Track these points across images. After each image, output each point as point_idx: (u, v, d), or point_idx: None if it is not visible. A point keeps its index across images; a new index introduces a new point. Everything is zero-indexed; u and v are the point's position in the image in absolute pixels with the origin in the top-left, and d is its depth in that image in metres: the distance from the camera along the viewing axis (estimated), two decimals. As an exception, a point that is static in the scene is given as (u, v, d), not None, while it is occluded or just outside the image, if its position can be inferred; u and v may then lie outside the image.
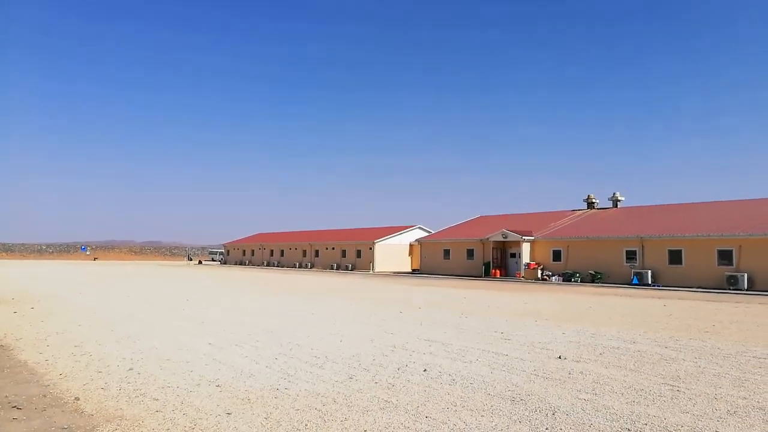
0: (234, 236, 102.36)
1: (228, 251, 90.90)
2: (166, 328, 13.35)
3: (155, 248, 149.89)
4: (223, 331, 12.71)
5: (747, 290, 29.48)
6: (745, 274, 30.05)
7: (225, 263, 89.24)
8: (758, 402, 6.83)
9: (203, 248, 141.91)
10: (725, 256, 31.59)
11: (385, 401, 6.78)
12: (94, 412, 6.41)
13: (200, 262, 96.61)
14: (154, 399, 6.93)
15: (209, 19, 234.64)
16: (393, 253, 60.26)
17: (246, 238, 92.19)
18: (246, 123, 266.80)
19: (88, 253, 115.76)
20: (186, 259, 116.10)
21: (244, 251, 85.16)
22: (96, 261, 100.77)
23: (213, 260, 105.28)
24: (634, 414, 6.30)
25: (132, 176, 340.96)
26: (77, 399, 6.94)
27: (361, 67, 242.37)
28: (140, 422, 6.01)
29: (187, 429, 5.78)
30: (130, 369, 8.66)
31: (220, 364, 8.99)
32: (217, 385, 7.59)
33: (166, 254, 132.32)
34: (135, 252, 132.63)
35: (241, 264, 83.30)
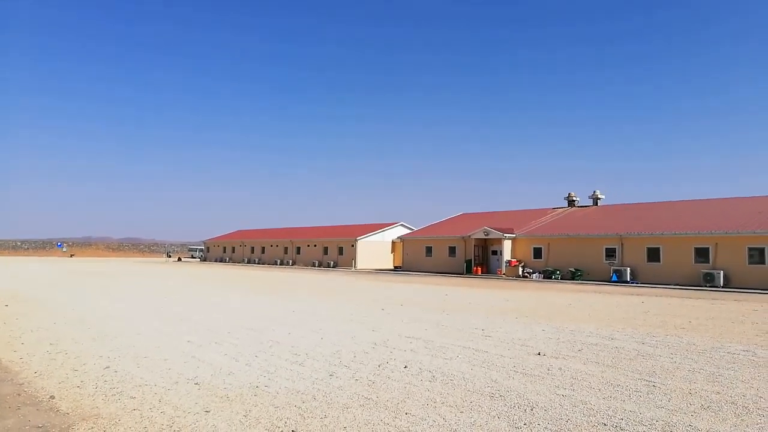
0: (214, 233, 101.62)
1: (208, 248, 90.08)
2: (144, 325, 13.19)
3: (133, 245, 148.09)
4: (203, 329, 12.59)
5: (723, 287, 30.05)
6: (721, 272, 30.62)
7: (205, 260, 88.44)
8: (731, 396, 6.96)
9: (183, 245, 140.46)
10: (702, 254, 32.16)
11: (365, 398, 6.78)
12: (70, 410, 6.31)
13: (179, 260, 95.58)
14: (131, 397, 6.85)
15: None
16: (375, 250, 60.26)
17: (226, 235, 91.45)
18: (226, 120, 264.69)
19: (64, 249, 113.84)
20: (165, 256, 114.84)
21: (224, 248, 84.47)
22: (72, 258, 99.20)
23: (193, 257, 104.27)
24: (611, 409, 6.38)
25: (110, 172, 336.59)
26: (52, 397, 6.83)
27: (346, 68, 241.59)
28: (117, 421, 5.93)
29: (164, 427, 5.72)
30: (106, 367, 8.54)
31: (198, 362, 8.90)
32: (196, 383, 7.52)
33: (145, 251, 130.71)
34: (113, 249, 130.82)
35: (221, 261, 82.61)
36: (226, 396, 6.88)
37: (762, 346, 10.91)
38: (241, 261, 78.02)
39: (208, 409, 6.31)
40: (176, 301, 19.58)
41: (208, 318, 14.64)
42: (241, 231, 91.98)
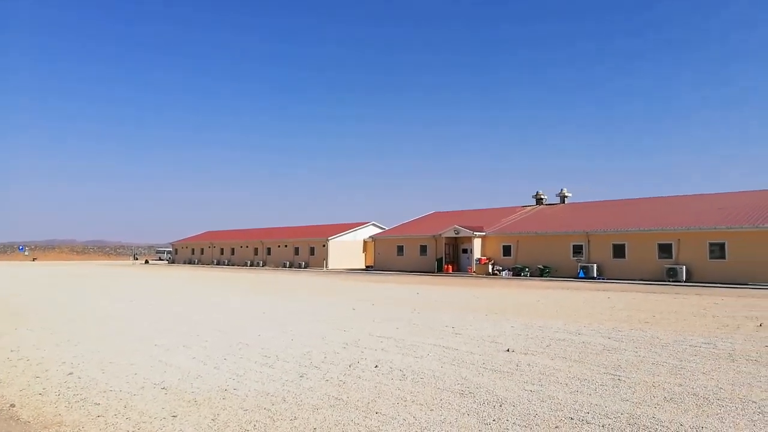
0: (182, 235, 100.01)
1: (176, 250, 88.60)
2: (108, 330, 12.89)
3: (99, 248, 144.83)
4: (170, 332, 12.38)
5: (685, 282, 30.90)
6: (684, 267, 31.49)
7: (173, 262, 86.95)
8: (693, 388, 7.16)
9: (150, 247, 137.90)
10: (665, 250, 33.02)
11: (336, 398, 6.76)
12: (31, 418, 6.13)
13: (147, 262, 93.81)
14: (96, 404, 6.69)
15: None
16: (347, 250, 60.15)
17: (195, 236, 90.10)
18: (195, 120, 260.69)
19: (26, 253, 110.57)
20: (132, 258, 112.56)
21: (193, 250, 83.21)
22: (35, 261, 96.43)
23: (160, 260, 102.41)
24: (577, 403, 6.50)
25: (74, 174, 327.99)
26: (13, 406, 6.62)
27: (316, 68, 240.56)
28: (80, 428, 5.79)
29: (130, 433, 5.60)
30: (70, 373, 8.32)
31: (166, 366, 8.75)
32: (163, 388, 7.38)
33: (111, 254, 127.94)
34: (77, 252, 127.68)
35: (190, 263, 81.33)
36: (193, 400, 6.77)
37: (722, 338, 11.25)
38: (210, 263, 76.97)
39: (175, 414, 6.21)
40: (142, 304, 19.20)
41: (175, 321, 14.40)
42: (210, 232, 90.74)
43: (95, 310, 17.41)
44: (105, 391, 7.25)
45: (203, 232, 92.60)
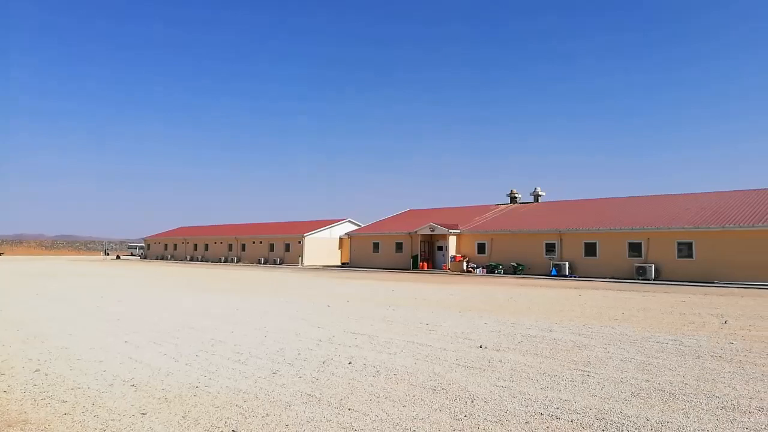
0: (155, 230, 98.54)
1: (148, 245, 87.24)
2: (77, 326, 12.65)
3: (68, 242, 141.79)
4: (141, 329, 12.20)
5: (654, 280, 31.57)
6: (653, 265, 32.16)
7: (145, 258, 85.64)
8: (659, 384, 7.33)
9: (122, 242, 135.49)
10: (635, 249, 33.68)
11: (309, 395, 6.75)
12: (-6, 417, 5.98)
13: (118, 257, 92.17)
14: (63, 401, 6.56)
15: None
16: (322, 246, 59.96)
17: (168, 231, 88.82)
18: (166, 115, 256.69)
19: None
20: (102, 253, 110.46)
21: (165, 245, 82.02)
22: (1, 256, 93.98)
23: (132, 255, 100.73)
24: (547, 399, 6.60)
25: (43, 167, 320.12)
26: (-26, 404, 6.45)
27: (292, 63, 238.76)
28: (46, 426, 5.67)
29: (97, 431, 5.51)
30: (36, 370, 8.14)
31: (136, 363, 8.62)
32: (132, 385, 7.27)
33: (81, 249, 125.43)
34: (46, 247, 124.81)
35: (162, 259, 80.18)
36: (164, 397, 6.69)
37: (688, 335, 11.54)
38: (183, 258, 75.98)
39: (144, 412, 6.12)
40: (112, 300, 18.86)
41: (146, 317, 14.19)
42: (183, 227, 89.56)
43: (63, 307, 17.05)
44: (72, 389, 7.11)
45: (176, 227, 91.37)
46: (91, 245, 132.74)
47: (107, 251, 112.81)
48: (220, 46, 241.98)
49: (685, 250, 31.83)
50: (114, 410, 6.19)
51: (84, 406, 6.34)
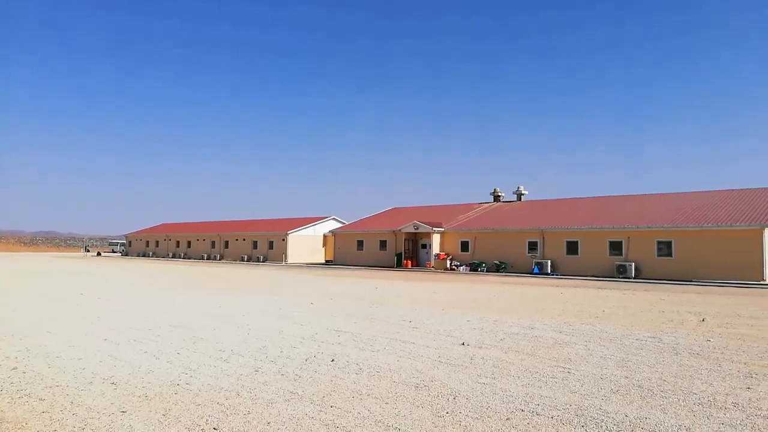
0: (137, 227, 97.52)
1: (130, 242, 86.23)
2: (57, 323, 12.47)
3: (48, 239, 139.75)
4: (121, 326, 12.07)
5: (634, 278, 32.00)
6: (633, 264, 32.59)
7: (127, 255, 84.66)
8: (638, 380, 7.44)
9: (103, 239, 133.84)
10: (616, 247, 34.10)
11: (291, 393, 6.73)
12: (-31, 416, 5.88)
13: (99, 254, 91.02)
14: (41, 399, 6.47)
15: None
16: (306, 244, 59.77)
17: (150, 228, 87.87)
18: (148, 111, 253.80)
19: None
20: (83, 250, 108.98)
21: (147, 242, 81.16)
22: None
23: (114, 252, 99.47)
24: (528, 395, 6.66)
25: (22, 162, 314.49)
26: (-51, 403, 6.34)
27: (272, 59, 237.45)
28: (23, 425, 5.59)
29: (76, 430, 5.44)
30: (14, 368, 8.02)
31: (116, 361, 8.53)
32: (112, 383, 7.20)
33: (61, 245, 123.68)
34: (24, 243, 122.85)
35: (144, 256, 79.34)
36: (144, 395, 6.63)
37: (667, 333, 11.71)
38: (165, 256, 75.24)
39: (124, 410, 6.06)
40: (93, 297, 18.62)
41: (127, 314, 14.04)
42: (165, 224, 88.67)
43: (42, 304, 16.80)
44: (51, 387, 7.02)
45: (159, 224, 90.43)
46: (72, 242, 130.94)
47: (88, 248, 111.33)
48: (216, 42, 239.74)
49: (665, 249, 32.30)
50: (93, 408, 6.12)
51: (62, 405, 6.26)
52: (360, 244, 49.61)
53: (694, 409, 6.14)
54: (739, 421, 5.73)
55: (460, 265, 40.59)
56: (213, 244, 68.62)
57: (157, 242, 78.87)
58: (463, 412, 6.01)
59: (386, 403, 6.31)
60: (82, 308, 15.49)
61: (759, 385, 7.25)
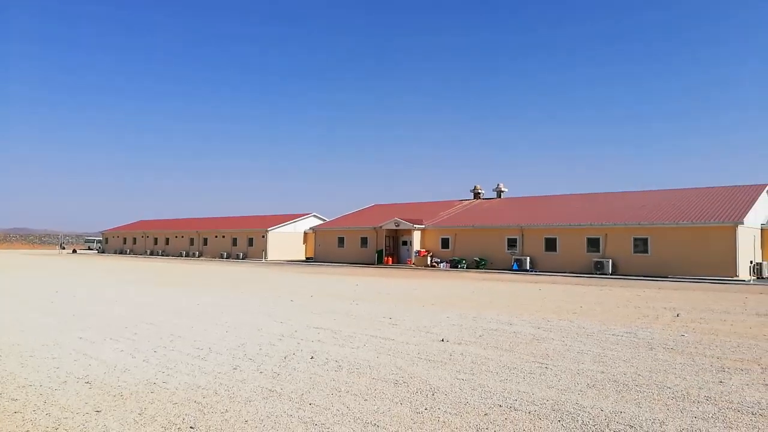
0: (114, 224, 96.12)
1: (107, 239, 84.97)
2: (30, 322, 12.23)
3: (23, 236, 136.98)
4: (97, 324, 11.88)
5: (611, 274, 32.45)
6: (610, 260, 33.05)
7: (103, 252, 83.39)
8: (613, 375, 7.55)
9: (79, 236, 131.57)
10: (593, 244, 34.55)
11: (269, 390, 6.69)
12: (-62, 417, 5.74)
13: (75, 251, 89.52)
14: (13, 399, 6.34)
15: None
16: (287, 241, 59.47)
17: (127, 225, 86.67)
18: (124, 106, 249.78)
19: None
20: (59, 247, 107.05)
21: (124, 239, 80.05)
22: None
23: (90, 249, 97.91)
24: (506, 391, 6.71)
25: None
26: None
27: (257, 55, 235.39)
28: (-6, 426, 5.47)
29: (49, 430, 5.34)
30: (-16, 368, 7.84)
31: (91, 359, 8.39)
32: (87, 382, 7.08)
33: (36, 242, 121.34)
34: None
35: (121, 253, 78.22)
36: (119, 394, 6.53)
37: (642, 328, 11.91)
38: (143, 253, 74.28)
39: (98, 409, 5.97)
40: (68, 295, 18.30)
41: (102, 312, 13.82)
42: (143, 221, 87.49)
43: (14, 302, 16.46)
44: (24, 386, 6.88)
45: (136, 221, 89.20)
46: (47, 239, 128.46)
47: (63, 245, 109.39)
48: (185, 31, 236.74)
49: (641, 245, 32.82)
50: (67, 408, 6.02)
51: (35, 404, 6.15)
52: (341, 241, 49.52)
53: (668, 403, 6.25)
54: (711, 414, 5.84)
55: (441, 262, 40.76)
56: (192, 241, 67.92)
57: (135, 239, 77.83)
58: (441, 408, 6.04)
59: (365, 400, 6.31)
60: (57, 306, 15.22)
61: (731, 378, 7.41)
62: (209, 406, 6.05)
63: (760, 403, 6.28)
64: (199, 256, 65.08)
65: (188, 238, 68.41)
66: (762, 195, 34.33)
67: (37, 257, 62.00)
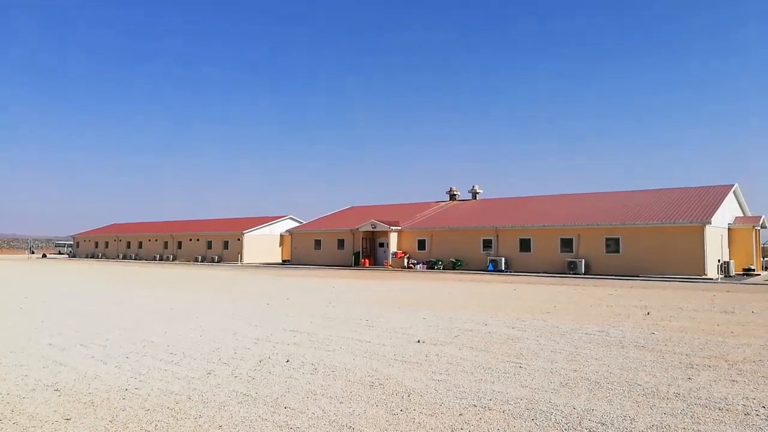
0: (85, 227, 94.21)
1: (78, 243, 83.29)
2: (-3, 329, 11.92)
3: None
4: (67, 330, 11.64)
5: (584, 274, 32.96)
6: (583, 260, 33.57)
7: (74, 257, 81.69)
8: (586, 374, 7.67)
9: (49, 240, 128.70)
10: (567, 244, 35.06)
11: (244, 395, 6.64)
12: None
13: (44, 256, 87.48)
14: (-22, 409, 6.17)
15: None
16: (263, 244, 59.04)
17: (99, 228, 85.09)
18: (100, 104, 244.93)
19: None
20: (28, 252, 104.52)
21: (96, 243, 78.54)
22: None
23: (60, 253, 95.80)
24: (481, 391, 6.78)
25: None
26: None
27: (234, 57, 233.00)
28: (-42, 436, 5.33)
29: (16, 439, 5.23)
30: (-52, 377, 7.62)
31: (60, 366, 8.22)
32: (56, 389, 6.94)
33: (3, 247, 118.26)
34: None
35: (93, 257, 76.73)
36: (90, 402, 6.41)
37: (614, 326, 12.12)
38: (115, 257, 73.00)
39: (68, 417, 5.85)
40: (37, 300, 17.88)
41: (73, 318, 13.54)
42: (115, 224, 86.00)
43: (-19, 308, 16.02)
44: (-11, 396, 6.70)
45: (108, 224, 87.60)
46: (15, 243, 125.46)
47: (32, 249, 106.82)
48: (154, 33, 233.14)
49: (613, 245, 33.42)
50: (35, 416, 5.88)
51: (2, 413, 6.00)
52: (317, 243, 49.35)
53: (638, 400, 6.37)
54: (680, 410, 5.98)
55: (418, 263, 40.91)
56: (166, 244, 66.96)
57: (107, 243, 76.44)
58: (417, 409, 6.07)
59: (341, 403, 6.30)
60: (25, 312, 14.86)
61: (699, 375, 7.59)
62: (182, 412, 5.98)
63: (726, 398, 6.45)
64: (173, 260, 64.17)
65: (162, 241, 67.43)
66: (729, 195, 35.24)
67: (4, 262, 60.43)
